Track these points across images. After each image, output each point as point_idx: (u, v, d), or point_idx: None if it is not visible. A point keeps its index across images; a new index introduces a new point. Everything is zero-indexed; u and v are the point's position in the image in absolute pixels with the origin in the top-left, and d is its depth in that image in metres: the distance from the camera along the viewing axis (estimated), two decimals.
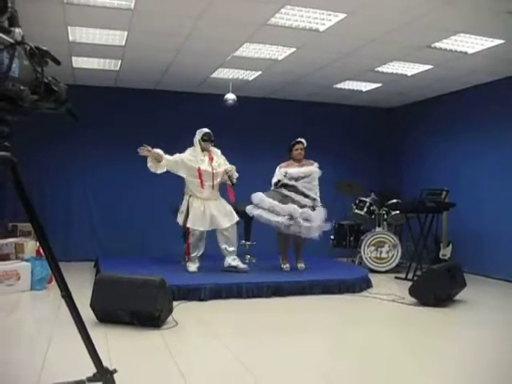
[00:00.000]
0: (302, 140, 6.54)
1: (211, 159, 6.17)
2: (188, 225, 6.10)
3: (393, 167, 9.41)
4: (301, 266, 6.53)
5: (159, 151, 6.09)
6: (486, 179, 7.36)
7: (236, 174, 6.19)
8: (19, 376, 3.04)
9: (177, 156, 6.18)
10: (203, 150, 6.20)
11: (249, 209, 6.31)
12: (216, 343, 3.87)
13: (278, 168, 6.50)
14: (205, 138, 6.19)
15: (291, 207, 6.15)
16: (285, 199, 6.26)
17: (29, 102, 1.71)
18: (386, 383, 3.11)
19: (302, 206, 6.23)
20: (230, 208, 6.25)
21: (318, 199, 6.45)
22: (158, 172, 6.17)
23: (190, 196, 6.18)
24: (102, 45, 5.99)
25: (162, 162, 6.10)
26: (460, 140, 7.96)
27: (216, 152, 6.29)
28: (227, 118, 7.55)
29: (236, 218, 6.25)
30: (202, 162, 6.12)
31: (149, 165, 6.14)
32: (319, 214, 6.33)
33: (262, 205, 6.21)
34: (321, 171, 6.51)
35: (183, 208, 6.19)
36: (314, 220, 6.24)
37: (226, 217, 6.14)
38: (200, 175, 6.08)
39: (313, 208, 6.33)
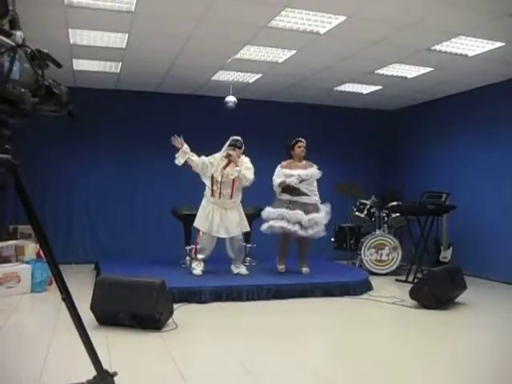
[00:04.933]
0: (303, 139, 6.56)
1: (224, 167, 6.12)
2: (194, 224, 6.16)
3: (393, 170, 9.41)
4: (306, 270, 6.48)
5: (187, 150, 6.14)
6: (486, 182, 7.36)
7: (250, 177, 6.14)
8: (19, 379, 3.03)
9: (202, 158, 6.21)
10: (226, 156, 6.15)
11: (264, 229, 6.34)
12: (216, 346, 3.86)
13: (278, 167, 6.48)
14: (231, 143, 6.16)
15: (299, 214, 6.19)
16: (292, 205, 6.28)
17: (29, 105, 1.71)
18: None
19: (306, 208, 6.27)
20: (238, 219, 6.19)
21: (318, 198, 6.49)
22: (181, 162, 6.14)
23: (204, 196, 6.23)
24: (103, 47, 6.00)
25: (188, 156, 6.12)
26: (460, 142, 7.96)
27: (241, 161, 6.18)
28: (228, 120, 7.55)
29: (241, 230, 6.23)
30: (217, 168, 6.11)
31: (177, 154, 6.16)
32: (324, 213, 6.39)
33: (272, 216, 6.25)
34: (321, 172, 6.52)
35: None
36: (321, 222, 6.32)
37: (226, 227, 6.10)
38: (212, 182, 6.12)
39: (316, 208, 6.37)
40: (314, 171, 6.48)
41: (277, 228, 6.23)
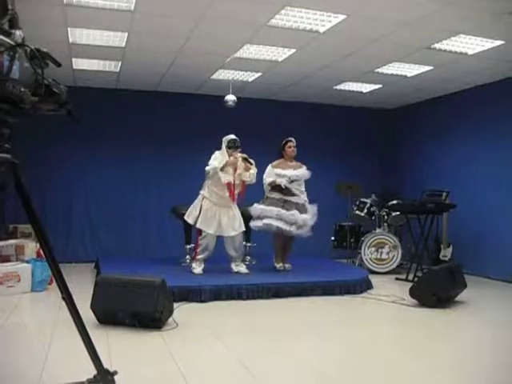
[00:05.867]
0: (293, 139, 6.58)
1: (235, 170, 6.11)
2: (199, 226, 6.14)
3: (393, 168, 9.41)
4: (288, 265, 6.58)
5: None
6: (486, 180, 7.36)
7: (253, 170, 6.18)
8: (20, 378, 3.03)
9: (214, 165, 6.06)
10: (228, 157, 6.10)
11: (253, 224, 6.35)
12: (216, 344, 3.86)
13: (269, 166, 6.50)
14: (230, 145, 6.12)
15: (297, 215, 6.24)
16: (287, 205, 6.31)
17: (29, 104, 1.71)
18: None
19: (298, 208, 6.32)
20: (239, 216, 6.23)
21: (306, 198, 6.52)
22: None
23: (204, 198, 6.18)
24: (103, 46, 6.00)
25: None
26: (460, 141, 7.96)
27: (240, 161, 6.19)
28: (227, 119, 7.55)
29: (243, 227, 6.25)
30: (229, 174, 6.09)
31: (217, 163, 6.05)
32: (311, 215, 6.41)
33: (268, 214, 6.25)
34: (310, 173, 6.54)
35: (195, 208, 6.18)
36: (308, 224, 6.36)
37: (233, 225, 6.14)
38: (230, 188, 6.07)
39: (305, 208, 6.41)
40: (304, 172, 6.53)
41: (273, 227, 6.26)
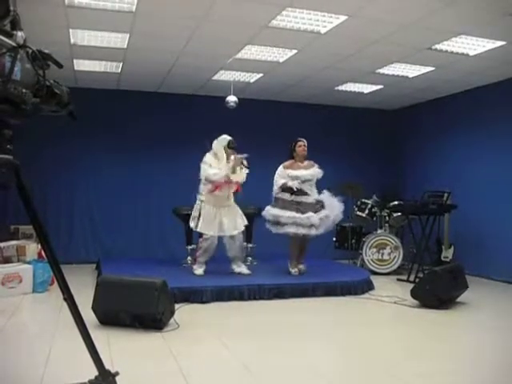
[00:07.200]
0: (303, 139, 6.54)
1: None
2: (199, 229, 6.12)
3: (394, 169, 9.40)
4: (302, 267, 6.48)
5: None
6: (487, 181, 7.35)
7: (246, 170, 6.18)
8: (21, 379, 3.04)
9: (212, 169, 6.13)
10: (227, 157, 6.11)
11: (273, 229, 6.24)
12: (218, 345, 3.86)
13: (281, 167, 6.43)
14: (231, 146, 6.13)
15: (313, 218, 6.14)
16: (301, 206, 6.24)
17: (31, 105, 1.72)
18: None
19: (314, 208, 6.26)
20: (240, 215, 6.22)
21: (317, 196, 6.46)
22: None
23: (202, 202, 6.15)
24: (104, 47, 6.00)
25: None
26: (461, 142, 7.96)
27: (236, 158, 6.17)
28: (229, 120, 7.55)
29: (242, 226, 6.23)
30: (227, 172, 6.08)
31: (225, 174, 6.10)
32: (336, 208, 6.34)
33: (283, 220, 6.17)
34: (322, 172, 6.50)
35: (195, 213, 6.17)
36: (330, 216, 6.28)
37: (235, 224, 6.13)
38: (219, 185, 6.06)
39: (321, 204, 6.34)
40: (316, 171, 6.47)
41: (291, 233, 6.18)
